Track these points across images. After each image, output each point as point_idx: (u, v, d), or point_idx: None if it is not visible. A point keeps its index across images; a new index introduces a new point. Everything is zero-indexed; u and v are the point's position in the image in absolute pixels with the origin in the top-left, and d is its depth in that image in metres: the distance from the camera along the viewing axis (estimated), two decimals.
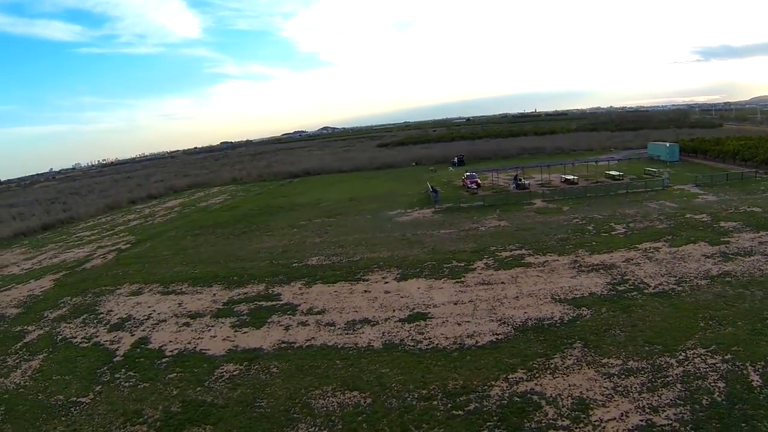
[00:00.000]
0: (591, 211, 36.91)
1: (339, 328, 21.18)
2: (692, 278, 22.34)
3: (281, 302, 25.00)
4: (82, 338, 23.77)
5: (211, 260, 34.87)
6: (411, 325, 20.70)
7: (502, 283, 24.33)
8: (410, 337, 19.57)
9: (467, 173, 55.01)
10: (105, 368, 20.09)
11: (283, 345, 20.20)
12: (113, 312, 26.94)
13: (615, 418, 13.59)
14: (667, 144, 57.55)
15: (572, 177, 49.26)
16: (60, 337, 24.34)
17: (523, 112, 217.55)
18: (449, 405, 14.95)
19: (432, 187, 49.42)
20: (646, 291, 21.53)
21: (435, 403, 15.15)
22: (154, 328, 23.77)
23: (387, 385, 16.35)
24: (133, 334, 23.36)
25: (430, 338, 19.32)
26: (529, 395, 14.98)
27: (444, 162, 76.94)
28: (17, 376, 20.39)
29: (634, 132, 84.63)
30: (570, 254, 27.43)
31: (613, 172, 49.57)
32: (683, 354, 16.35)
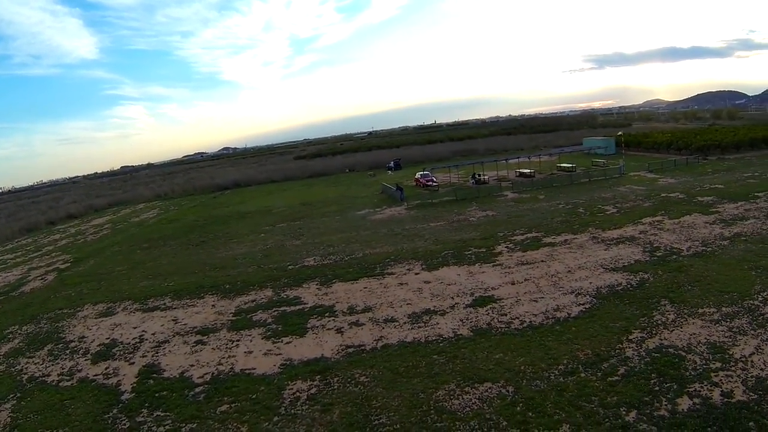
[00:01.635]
0: (568, 197, 39.06)
1: (405, 323, 18.90)
2: (713, 240, 24.25)
3: (308, 305, 21.95)
4: (59, 375, 18.45)
5: (183, 271, 30.91)
6: (484, 309, 19.33)
7: (542, 261, 24.23)
8: (495, 320, 18.20)
9: (421, 173, 55.96)
10: (115, 411, 15.39)
11: (350, 350, 17.30)
12: (87, 338, 21.78)
13: (754, 352, 14.20)
14: (614, 138, 63.62)
15: (528, 171, 52.07)
16: (26, 376, 18.76)
17: (422, 124, 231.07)
18: (599, 373, 14.00)
19: (397, 185, 49.34)
20: (683, 254, 22.86)
21: (583, 375, 14.01)
22: (157, 352, 19.26)
23: (515, 370, 14.73)
24: (132, 363, 18.63)
25: (517, 318, 18.18)
26: (664, 350, 14.93)
27: (375, 168, 77.77)
28: None
29: (552, 133, 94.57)
30: (583, 232, 28.38)
31: (565, 165, 53.55)
32: (760, 296, 17.73)
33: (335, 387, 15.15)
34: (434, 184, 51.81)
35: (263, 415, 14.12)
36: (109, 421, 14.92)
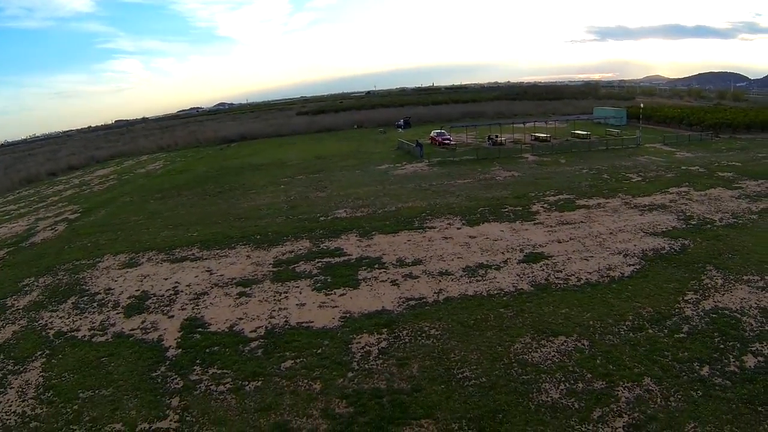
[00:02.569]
0: (589, 163, 39.11)
1: (461, 276, 19.01)
2: (742, 214, 24.51)
3: (353, 256, 21.85)
4: (90, 330, 17.66)
5: (205, 221, 30.34)
6: (538, 265, 19.61)
7: (582, 222, 24.51)
8: (552, 276, 18.50)
9: (436, 131, 55.73)
10: (162, 368, 14.58)
11: (411, 303, 17.25)
12: (114, 290, 21.00)
13: None
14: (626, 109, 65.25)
15: (544, 135, 52.03)
16: (52, 331, 17.83)
17: (420, 86, 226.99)
18: (665, 330, 14.53)
19: (417, 141, 49.28)
20: (717, 224, 23.19)
21: (650, 331, 14.50)
22: (197, 305, 18.67)
23: (585, 325, 15.06)
24: (171, 316, 18.01)
25: (573, 275, 18.51)
26: (720, 311, 15.51)
27: (383, 126, 77.42)
28: (14, 401, 13.77)
29: (558, 101, 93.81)
30: (614, 197, 28.62)
31: (579, 132, 53.58)
32: None
33: (406, 341, 15.06)
34: (451, 142, 51.78)
35: (335, 371, 13.76)
36: (159, 380, 14.07)
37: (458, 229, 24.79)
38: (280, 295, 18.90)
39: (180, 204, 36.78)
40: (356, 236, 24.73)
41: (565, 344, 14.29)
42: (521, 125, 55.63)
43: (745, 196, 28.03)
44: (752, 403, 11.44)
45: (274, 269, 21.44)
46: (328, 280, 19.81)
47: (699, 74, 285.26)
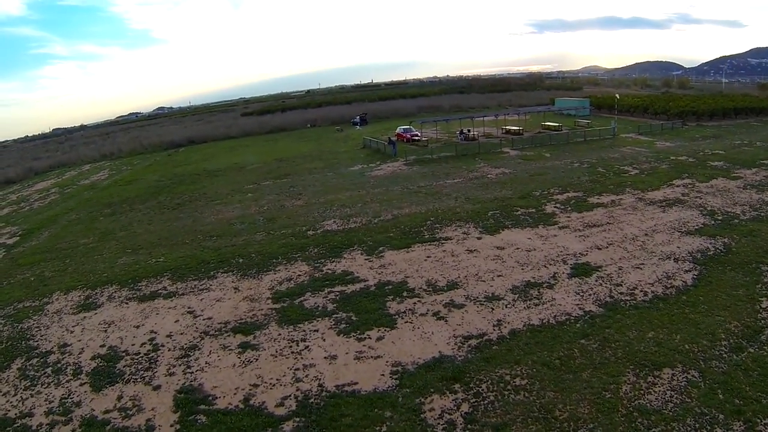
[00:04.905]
0: (575, 156, 38.90)
1: (514, 300, 16.83)
2: (759, 206, 24.59)
3: (370, 282, 18.91)
4: (47, 414, 13.04)
5: (169, 242, 26.11)
6: (592, 279, 17.96)
7: (608, 223, 23.47)
8: (614, 291, 16.92)
9: (403, 128, 54.06)
10: None
11: (472, 342, 14.64)
12: (72, 346, 16.43)
13: None
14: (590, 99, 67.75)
15: (517, 128, 51.66)
16: None
17: (359, 83, 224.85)
18: (766, 346, 13.51)
19: (390, 138, 47.60)
20: (742, 218, 23.05)
21: (751, 350, 13.38)
22: (188, 366, 14.63)
23: (681, 350, 13.54)
24: (156, 386, 13.74)
25: (636, 288, 17.08)
26: None
27: (337, 123, 76.21)
28: None
29: (508, 93, 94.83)
30: (623, 193, 28.06)
31: (549, 123, 54.11)
32: None
33: (491, 399, 12.30)
34: (421, 139, 50.59)
35: None
36: None
37: (478, 239, 22.73)
38: (297, 345, 15.38)
39: (135, 220, 32.31)
40: (362, 254, 21.84)
41: (675, 379, 12.56)
42: (493, 118, 55.08)
43: (750, 186, 28.41)
44: None
45: (276, 306, 17.89)
46: (353, 318, 16.67)
47: (636, 64, 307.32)
